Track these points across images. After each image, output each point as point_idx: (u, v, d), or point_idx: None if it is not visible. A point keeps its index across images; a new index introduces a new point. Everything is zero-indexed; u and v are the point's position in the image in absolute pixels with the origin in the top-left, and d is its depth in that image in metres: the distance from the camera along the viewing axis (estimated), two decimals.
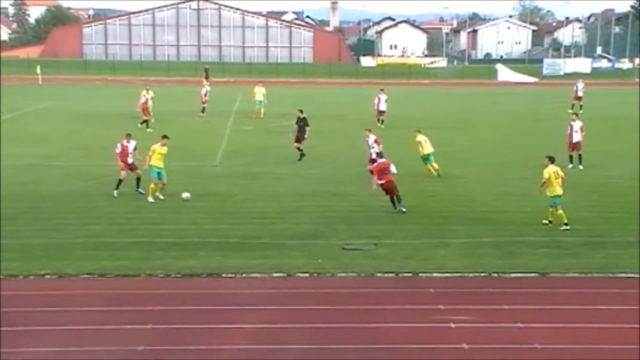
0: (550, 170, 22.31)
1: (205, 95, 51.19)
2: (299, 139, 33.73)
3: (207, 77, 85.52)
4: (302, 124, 33.96)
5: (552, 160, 22.65)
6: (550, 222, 22.46)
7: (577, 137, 32.30)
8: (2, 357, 13.50)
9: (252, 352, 13.91)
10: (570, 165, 32.14)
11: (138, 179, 25.95)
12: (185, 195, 25.47)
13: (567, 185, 28.49)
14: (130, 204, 24.95)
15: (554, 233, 21.73)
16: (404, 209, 24.04)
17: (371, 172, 25.15)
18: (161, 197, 25.32)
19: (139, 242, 20.37)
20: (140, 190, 25.87)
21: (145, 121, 43.17)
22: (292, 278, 17.99)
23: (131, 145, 26.14)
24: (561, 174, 22.50)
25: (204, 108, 50.89)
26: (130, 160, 25.97)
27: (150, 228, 21.90)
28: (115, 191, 25.64)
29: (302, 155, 33.33)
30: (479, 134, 44.66)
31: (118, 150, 26.10)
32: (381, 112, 46.10)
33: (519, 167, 32.70)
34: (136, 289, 17.13)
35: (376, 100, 46.69)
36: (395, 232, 21.82)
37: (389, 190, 24.27)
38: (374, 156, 26.37)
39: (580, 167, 31.89)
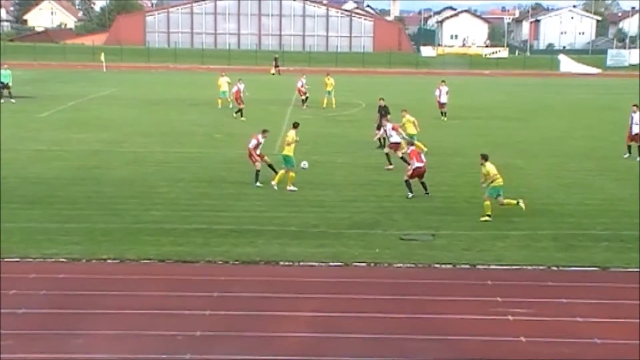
0: (489, 167, 22.42)
1: (302, 86, 51.09)
2: (379, 127, 33.90)
3: (276, 66, 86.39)
4: (383, 112, 34.12)
5: (485, 158, 22.75)
6: (489, 215, 22.32)
7: (636, 129, 32.02)
8: (65, 339, 13.81)
9: (309, 340, 13.98)
10: (627, 155, 31.82)
11: (271, 166, 26.26)
12: (304, 164, 26.31)
13: (626, 177, 28.11)
14: (190, 190, 25.25)
15: (615, 227, 21.38)
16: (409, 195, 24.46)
17: (387, 155, 29.13)
18: (275, 187, 25.50)
19: (199, 229, 20.61)
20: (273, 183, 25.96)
21: (240, 110, 43.85)
22: (349, 267, 18.03)
23: (263, 140, 26.36)
24: (497, 170, 22.48)
25: (302, 100, 50.81)
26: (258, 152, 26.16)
27: (210, 215, 22.12)
28: (257, 183, 25.79)
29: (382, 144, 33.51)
30: (540, 125, 44.08)
31: (252, 145, 26.06)
32: (442, 104, 45.56)
33: (580, 158, 32.27)
34: (195, 275, 17.33)
35: (437, 92, 46.23)
36: (453, 223, 21.70)
37: (422, 174, 24.56)
38: (392, 140, 29.00)
39: (638, 158, 31.37)
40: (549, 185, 27.00)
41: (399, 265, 18.19)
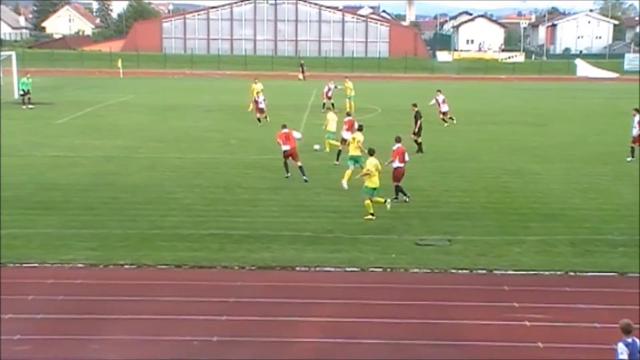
0: (372, 162, 22.56)
1: (329, 92, 50.93)
2: (415, 133, 34.22)
3: (303, 72, 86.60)
4: (417, 117, 34.45)
5: (371, 152, 23.04)
6: (372, 214, 22.50)
7: (635, 131, 32.77)
8: (83, 344, 13.88)
9: (325, 345, 13.99)
10: (630, 159, 32.51)
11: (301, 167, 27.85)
12: (317, 147, 31.06)
13: (634, 181, 27.90)
14: (206, 196, 25.31)
15: (632, 232, 21.26)
16: (407, 199, 24.50)
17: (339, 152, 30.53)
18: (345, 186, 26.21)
19: (214, 234, 20.66)
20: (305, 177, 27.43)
21: (258, 118, 43.61)
22: (365, 272, 18.02)
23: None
24: (380, 167, 22.66)
25: (324, 104, 50.86)
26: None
27: (225, 220, 22.18)
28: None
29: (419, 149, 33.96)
30: (556, 130, 43.93)
31: (299, 136, 28.65)
32: (444, 113, 44.69)
33: (597, 163, 32.14)
34: (211, 280, 17.38)
35: (433, 102, 45.36)
36: (469, 228, 21.65)
37: (400, 176, 24.50)
38: (342, 135, 30.96)
39: (629, 158, 32.39)
40: (565, 190, 26.90)
41: (415, 270, 18.17)
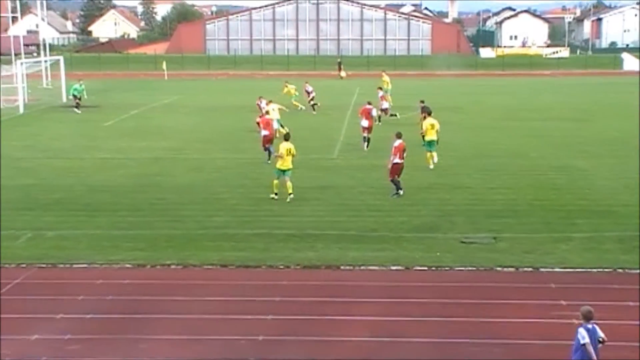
0: (285, 146, 24.29)
1: (311, 92, 51.59)
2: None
3: (340, 69, 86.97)
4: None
5: (286, 138, 24.84)
6: (276, 194, 24.43)
7: None
8: (131, 344, 14.07)
9: (370, 344, 14.01)
10: None
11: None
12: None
13: None
14: (251, 196, 25.47)
15: None
16: (401, 193, 24.90)
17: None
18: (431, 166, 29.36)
19: (260, 234, 20.79)
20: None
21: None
22: (410, 271, 18.00)
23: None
24: (293, 152, 24.50)
25: (313, 105, 51.28)
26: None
27: (270, 220, 22.30)
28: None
29: None
30: (603, 125, 43.39)
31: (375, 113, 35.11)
32: (385, 110, 44.60)
33: None
34: (257, 279, 17.49)
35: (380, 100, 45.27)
36: (514, 225, 21.51)
37: (399, 171, 24.89)
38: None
39: None
40: (613, 186, 26.57)
41: (460, 268, 18.10)
